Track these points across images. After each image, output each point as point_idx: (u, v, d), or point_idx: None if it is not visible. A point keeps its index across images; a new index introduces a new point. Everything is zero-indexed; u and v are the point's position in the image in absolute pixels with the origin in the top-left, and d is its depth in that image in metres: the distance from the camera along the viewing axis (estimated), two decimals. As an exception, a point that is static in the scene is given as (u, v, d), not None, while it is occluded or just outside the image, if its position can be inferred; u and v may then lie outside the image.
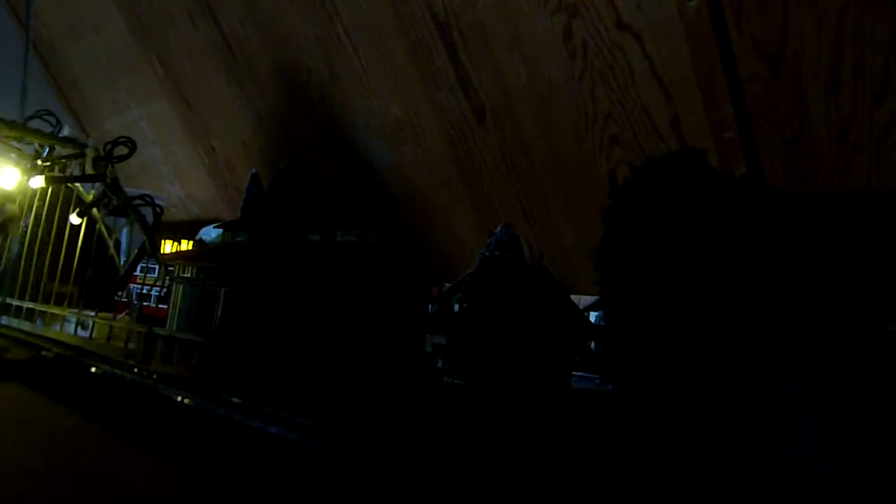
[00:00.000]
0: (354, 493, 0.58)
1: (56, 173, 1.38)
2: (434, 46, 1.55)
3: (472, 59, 1.51)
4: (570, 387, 1.27)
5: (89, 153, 1.33)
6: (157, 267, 1.45)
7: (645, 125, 1.35)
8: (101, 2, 2.25)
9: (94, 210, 1.28)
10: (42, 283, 1.42)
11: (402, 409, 1.02)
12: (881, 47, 1.08)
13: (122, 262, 1.26)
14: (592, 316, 1.38)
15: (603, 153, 1.43)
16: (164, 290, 1.35)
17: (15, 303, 1.48)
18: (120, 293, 1.29)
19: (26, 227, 1.46)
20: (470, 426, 0.94)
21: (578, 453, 0.81)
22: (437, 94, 1.60)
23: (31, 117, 1.43)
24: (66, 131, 1.40)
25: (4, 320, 1.45)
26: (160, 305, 1.29)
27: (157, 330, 1.23)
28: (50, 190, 1.43)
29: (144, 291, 1.26)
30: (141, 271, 1.35)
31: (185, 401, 0.79)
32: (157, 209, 1.26)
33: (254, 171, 1.74)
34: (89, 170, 1.32)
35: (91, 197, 1.30)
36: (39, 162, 1.37)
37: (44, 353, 1.08)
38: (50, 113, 1.43)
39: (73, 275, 1.31)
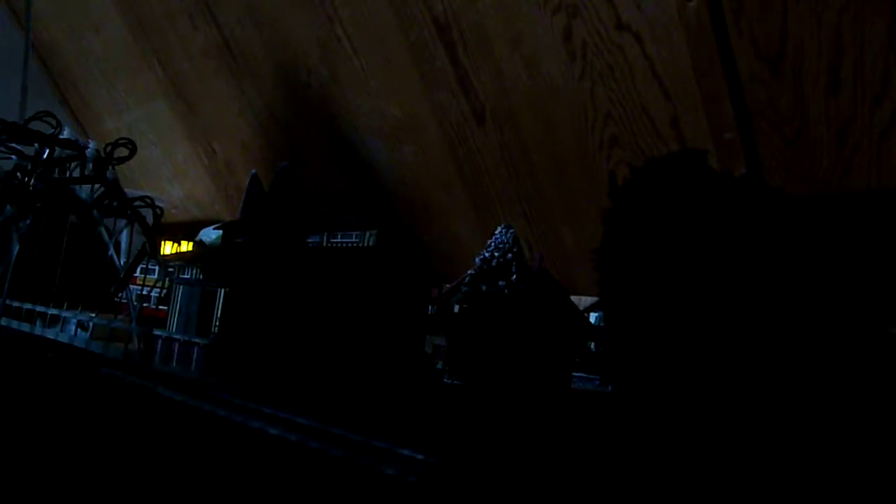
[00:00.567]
0: (354, 494, 0.58)
1: (56, 175, 1.38)
2: (434, 47, 1.55)
3: (471, 59, 1.51)
4: (570, 387, 1.27)
5: (89, 155, 1.33)
6: (157, 268, 1.45)
7: (645, 125, 1.35)
8: (101, 2, 2.25)
9: (94, 212, 1.28)
10: (42, 284, 1.42)
11: (402, 410, 1.02)
12: (881, 47, 1.08)
13: (122, 263, 1.26)
14: (592, 316, 1.38)
15: (603, 153, 1.43)
16: (164, 291, 1.35)
17: (15, 303, 1.48)
18: (120, 294, 1.29)
19: (26, 227, 1.46)
20: (470, 427, 0.94)
21: (578, 454, 0.81)
22: (436, 94, 1.60)
23: (31, 119, 1.43)
24: (66, 133, 1.40)
25: (4, 320, 1.45)
26: (160, 306, 1.29)
27: (157, 331, 1.23)
28: (50, 191, 1.43)
29: (144, 292, 1.26)
30: (141, 272, 1.35)
31: (185, 401, 0.79)
32: (158, 210, 1.26)
33: (254, 171, 1.74)
34: (89, 171, 1.32)
35: (91, 199, 1.30)
36: (40, 163, 1.37)
37: (43, 353, 1.08)
38: (50, 114, 1.43)
39: (73, 275, 1.31)
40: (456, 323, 1.14)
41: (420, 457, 0.60)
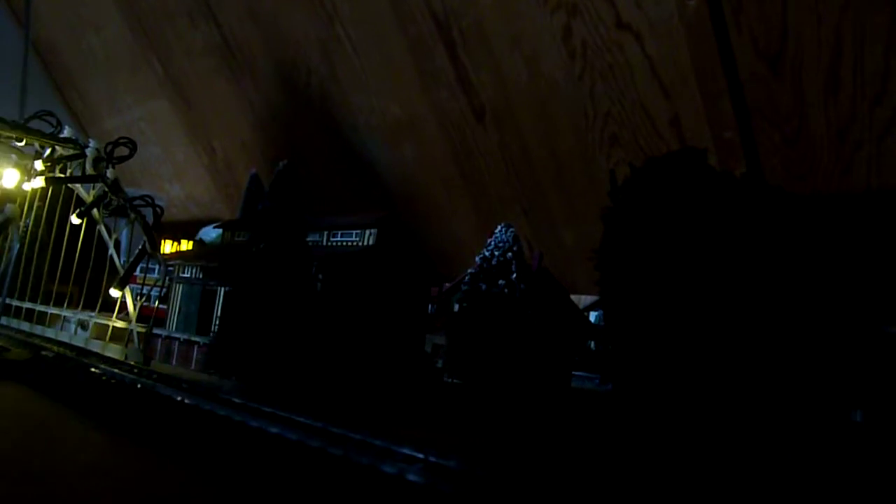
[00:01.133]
0: (354, 494, 0.59)
1: (56, 174, 1.38)
2: (434, 46, 1.55)
3: (471, 58, 1.51)
4: (570, 387, 1.27)
5: (90, 154, 1.33)
6: (157, 267, 1.45)
7: (645, 125, 1.35)
8: (100, 2, 2.25)
9: (95, 211, 1.28)
10: (42, 283, 1.42)
11: (402, 409, 1.02)
12: (881, 46, 1.08)
13: (122, 262, 1.26)
14: (592, 316, 1.38)
15: (603, 152, 1.43)
16: (164, 290, 1.35)
17: (15, 303, 1.48)
18: (120, 293, 1.29)
19: (26, 227, 1.46)
20: (470, 425, 0.94)
21: (578, 453, 0.81)
22: (436, 93, 1.60)
23: (31, 118, 1.43)
24: (66, 132, 1.40)
25: (4, 320, 1.45)
26: (160, 305, 1.30)
27: (157, 330, 1.23)
28: (50, 190, 1.43)
29: (144, 292, 1.26)
30: (141, 271, 1.35)
31: (185, 401, 0.79)
32: (158, 209, 1.26)
33: (254, 171, 1.74)
34: (90, 170, 1.32)
35: (91, 197, 1.30)
36: (40, 163, 1.37)
37: (44, 353, 1.08)
38: (50, 113, 1.43)
39: (73, 275, 1.32)
40: (456, 322, 1.14)
41: (420, 455, 0.60)
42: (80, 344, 1.23)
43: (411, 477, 0.56)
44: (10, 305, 1.48)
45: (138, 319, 1.21)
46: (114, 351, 1.17)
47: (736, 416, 0.79)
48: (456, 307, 1.16)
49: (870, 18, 1.07)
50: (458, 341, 1.12)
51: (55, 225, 1.42)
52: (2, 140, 1.35)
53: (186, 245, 1.67)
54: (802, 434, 0.82)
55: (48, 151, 1.38)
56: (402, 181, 1.79)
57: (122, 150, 1.33)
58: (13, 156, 1.38)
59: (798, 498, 0.67)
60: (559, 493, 0.55)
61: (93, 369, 0.95)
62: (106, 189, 1.27)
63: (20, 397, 0.91)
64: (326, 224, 1.27)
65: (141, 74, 2.28)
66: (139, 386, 0.87)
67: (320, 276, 1.11)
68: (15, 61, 2.43)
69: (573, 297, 1.35)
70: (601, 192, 0.93)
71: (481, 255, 1.12)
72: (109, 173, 1.30)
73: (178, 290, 1.32)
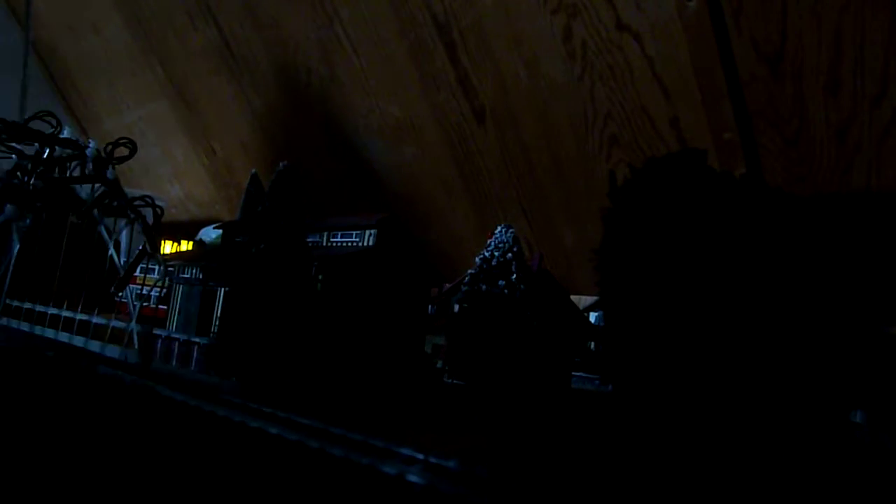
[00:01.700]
0: (354, 494, 0.59)
1: (56, 174, 1.38)
2: (434, 47, 1.55)
3: (471, 59, 1.51)
4: (570, 387, 1.27)
5: (90, 154, 1.33)
6: (157, 267, 1.45)
7: (645, 125, 1.35)
8: (100, 2, 2.25)
9: (95, 211, 1.28)
10: (42, 284, 1.42)
11: (402, 409, 1.02)
12: (881, 47, 1.08)
13: (122, 262, 1.26)
14: (592, 316, 1.38)
15: (603, 153, 1.43)
16: (164, 290, 1.35)
17: (15, 303, 1.48)
18: (120, 294, 1.29)
19: (26, 227, 1.46)
20: (471, 426, 0.94)
21: (578, 454, 0.81)
22: (436, 94, 1.61)
23: (31, 118, 1.43)
24: (66, 132, 1.40)
25: (4, 320, 1.45)
26: (160, 306, 1.29)
27: (157, 330, 1.23)
28: (50, 191, 1.43)
29: (144, 292, 1.26)
30: (141, 272, 1.35)
31: (185, 401, 0.79)
32: (158, 210, 1.26)
33: (254, 171, 1.74)
34: (90, 171, 1.32)
35: (91, 198, 1.30)
36: (40, 163, 1.37)
37: (44, 352, 1.08)
38: (50, 114, 1.43)
39: (73, 275, 1.31)
40: (456, 322, 1.13)
41: (420, 456, 0.60)
42: (80, 344, 1.23)
43: (411, 477, 0.56)
44: (10, 305, 1.48)
45: (138, 320, 1.21)
46: (113, 351, 1.17)
47: (736, 416, 0.79)
48: (456, 308, 1.16)
49: (870, 19, 1.07)
50: (458, 342, 1.11)
51: (55, 225, 1.42)
52: (2, 140, 1.35)
53: (186, 245, 1.67)
54: (802, 434, 0.82)
55: (48, 152, 1.38)
56: (402, 182, 1.80)
57: (122, 151, 1.33)
58: (13, 156, 1.38)
59: (798, 498, 0.67)
60: (559, 493, 0.55)
61: (93, 370, 0.95)
62: (106, 189, 1.27)
63: (19, 397, 0.91)
64: (326, 225, 1.27)
65: (141, 75, 2.28)
66: (138, 386, 0.87)
67: (320, 277, 1.11)
68: (15, 62, 2.43)
69: (573, 297, 1.35)
70: (601, 192, 0.93)
71: (481, 256, 1.12)
72: (109, 174, 1.30)
73: (178, 290, 1.32)
